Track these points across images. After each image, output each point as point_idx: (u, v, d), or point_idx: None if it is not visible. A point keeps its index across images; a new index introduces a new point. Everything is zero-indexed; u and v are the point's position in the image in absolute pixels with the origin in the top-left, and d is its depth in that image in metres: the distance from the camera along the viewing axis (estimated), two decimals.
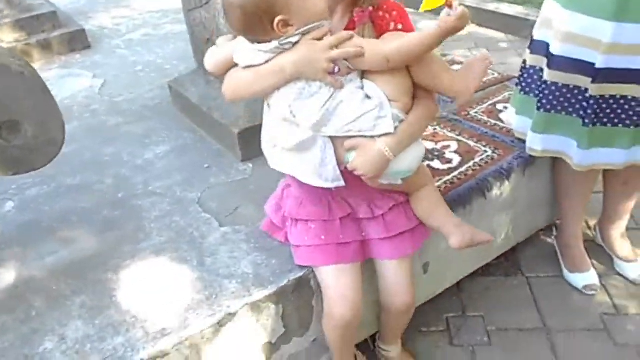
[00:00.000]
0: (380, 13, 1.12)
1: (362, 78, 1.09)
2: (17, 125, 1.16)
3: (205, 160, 1.79)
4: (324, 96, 1.05)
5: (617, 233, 1.79)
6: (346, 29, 1.13)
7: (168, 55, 2.74)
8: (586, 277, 1.75)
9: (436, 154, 1.65)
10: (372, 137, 1.07)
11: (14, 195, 1.69)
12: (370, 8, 1.12)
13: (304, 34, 1.03)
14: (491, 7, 3.82)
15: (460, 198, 1.50)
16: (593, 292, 1.73)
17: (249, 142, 1.72)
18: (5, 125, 1.14)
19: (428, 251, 1.48)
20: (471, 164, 1.60)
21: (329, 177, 1.13)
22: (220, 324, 1.19)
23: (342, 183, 1.13)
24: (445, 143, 1.70)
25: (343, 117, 1.06)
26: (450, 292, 1.74)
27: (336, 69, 1.03)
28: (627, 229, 1.83)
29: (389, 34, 1.09)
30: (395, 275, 1.30)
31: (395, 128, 1.07)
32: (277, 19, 0.99)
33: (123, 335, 1.16)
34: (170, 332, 1.16)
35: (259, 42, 1.05)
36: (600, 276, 1.77)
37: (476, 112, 1.86)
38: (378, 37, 1.11)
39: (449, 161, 1.62)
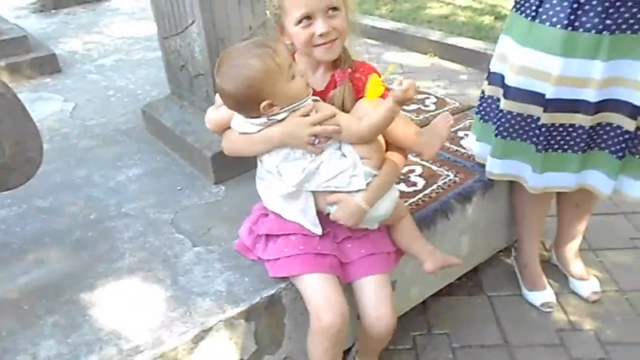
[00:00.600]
0: (357, 75, 1.30)
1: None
2: None
3: (179, 182, 1.83)
4: (306, 160, 1.22)
5: (571, 253, 1.90)
6: (327, 87, 1.28)
7: (140, 81, 2.78)
8: (543, 295, 1.84)
9: (402, 177, 1.74)
10: (349, 192, 1.23)
11: None
12: (349, 70, 1.29)
13: (291, 111, 1.19)
14: (452, 41, 4.02)
15: (424, 219, 1.58)
16: (550, 309, 1.82)
17: (222, 165, 1.77)
18: None
19: (395, 270, 1.54)
20: (434, 187, 1.69)
21: (309, 223, 1.29)
22: (194, 341, 1.22)
23: (319, 232, 1.30)
24: (411, 167, 1.79)
25: (322, 175, 1.22)
26: (416, 311, 1.81)
27: (316, 141, 1.20)
28: (580, 249, 1.95)
29: (361, 104, 1.25)
30: (377, 293, 1.32)
31: (369, 183, 1.23)
32: (263, 104, 1.15)
33: (97, 353, 1.17)
34: (144, 349, 1.18)
35: (251, 117, 1.21)
36: (556, 294, 1.87)
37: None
38: (356, 96, 1.28)
39: (414, 184, 1.71)
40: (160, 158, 2.00)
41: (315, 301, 1.25)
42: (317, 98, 1.25)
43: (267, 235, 1.35)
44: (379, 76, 1.21)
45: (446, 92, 3.46)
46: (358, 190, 1.23)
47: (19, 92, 2.65)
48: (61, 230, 1.60)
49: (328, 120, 1.20)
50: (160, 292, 1.34)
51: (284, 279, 1.33)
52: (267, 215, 1.37)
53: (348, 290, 1.38)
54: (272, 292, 1.33)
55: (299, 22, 1.19)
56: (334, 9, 1.18)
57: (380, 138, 1.26)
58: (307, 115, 1.20)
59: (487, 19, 4.42)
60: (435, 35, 4.18)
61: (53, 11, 4.18)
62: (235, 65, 1.15)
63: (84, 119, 2.37)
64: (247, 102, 1.17)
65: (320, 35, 1.19)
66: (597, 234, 2.14)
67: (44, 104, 2.57)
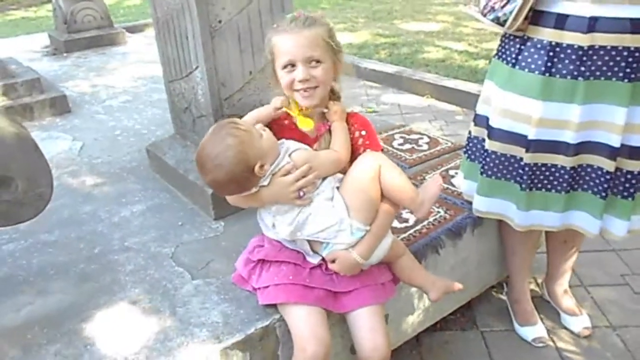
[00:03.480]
0: (348, 125, 1.43)
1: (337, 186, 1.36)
2: (9, 181, 1.26)
3: (180, 218, 1.90)
4: (295, 212, 1.33)
5: (561, 289, 1.95)
6: (317, 135, 1.41)
7: (146, 121, 2.88)
8: (535, 330, 1.88)
9: None
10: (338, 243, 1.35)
11: None
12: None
13: (273, 174, 1.30)
14: (448, 83, 4.16)
15: (415, 254, 1.63)
16: (542, 344, 1.85)
17: (222, 201, 1.83)
18: None
19: (387, 304, 1.58)
20: (425, 223, 1.76)
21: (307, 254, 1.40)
22: None
23: (316, 260, 1.39)
24: None
25: (312, 227, 1.34)
26: (410, 346, 1.84)
27: (301, 193, 1.31)
28: (571, 285, 2.00)
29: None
30: (372, 325, 1.37)
31: (362, 236, 1.33)
32: (256, 168, 1.26)
33: None
34: None
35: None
36: (548, 329, 1.90)
37: (431, 177, 2.04)
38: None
39: (406, 220, 1.78)
40: (163, 195, 2.08)
41: (300, 331, 1.31)
42: (299, 146, 1.35)
43: (262, 263, 1.42)
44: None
45: (442, 132, 3.56)
46: (353, 246, 1.34)
47: (30, 132, 2.78)
48: (66, 263, 1.66)
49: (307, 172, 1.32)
50: (159, 322, 1.39)
51: (278, 310, 1.39)
52: (262, 246, 1.44)
53: (342, 322, 1.44)
54: (267, 323, 1.38)
55: (284, 67, 1.32)
56: (316, 61, 1.30)
57: (374, 195, 1.34)
58: (288, 173, 1.31)
59: (482, 63, 4.58)
60: (431, 77, 4.33)
61: (65, 54, 4.35)
62: (219, 155, 1.25)
63: (91, 158, 2.47)
64: (244, 176, 1.26)
65: (300, 82, 1.31)
66: (588, 270, 2.19)
67: (53, 142, 2.68)
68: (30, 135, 1.34)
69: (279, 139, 1.37)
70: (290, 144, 1.36)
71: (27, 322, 1.42)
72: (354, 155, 1.41)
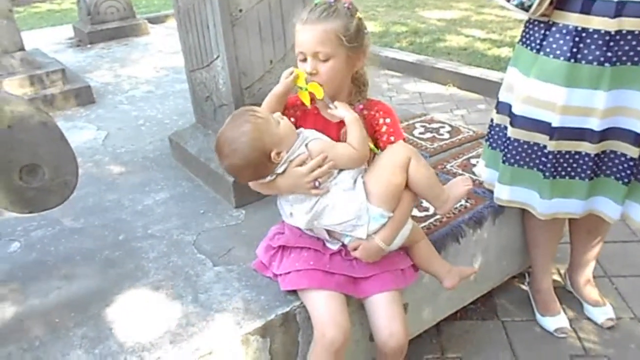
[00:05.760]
0: (372, 112, 1.42)
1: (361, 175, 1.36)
2: (37, 168, 1.30)
3: (202, 206, 1.93)
4: (312, 201, 1.33)
5: (584, 279, 1.92)
6: (342, 120, 1.38)
7: (168, 111, 2.92)
8: (557, 321, 1.86)
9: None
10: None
11: (20, 237, 1.80)
12: (361, 106, 1.40)
13: (290, 162, 1.31)
14: (470, 72, 4.11)
15: (435, 243, 1.62)
16: (564, 335, 1.83)
17: (243, 190, 1.86)
18: (26, 168, 1.28)
19: (407, 292, 1.58)
20: None
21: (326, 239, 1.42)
22: (212, 354, 1.29)
23: (336, 246, 1.42)
24: None
25: (329, 218, 1.34)
26: (430, 335, 1.84)
27: (316, 183, 1.31)
28: (595, 276, 1.97)
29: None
30: (389, 310, 1.38)
31: (385, 223, 1.34)
32: (272, 154, 1.28)
33: None
34: None
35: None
36: (571, 320, 1.88)
37: (452, 166, 2.03)
38: (371, 130, 1.41)
39: (426, 209, 1.77)
40: (185, 183, 2.10)
41: (320, 317, 1.32)
42: (317, 136, 1.35)
43: (283, 249, 1.43)
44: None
45: (464, 121, 3.52)
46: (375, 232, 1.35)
47: (56, 121, 2.85)
48: (91, 249, 1.70)
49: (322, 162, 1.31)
50: (182, 308, 1.42)
51: (298, 297, 1.40)
52: (283, 233, 1.46)
53: (362, 309, 1.44)
54: (287, 309, 1.39)
55: (298, 57, 1.35)
56: (325, 56, 1.29)
57: (400, 185, 1.34)
58: (303, 163, 1.31)
59: (506, 51, 4.50)
60: (453, 66, 4.28)
61: (89, 46, 4.42)
62: (235, 141, 1.27)
63: (115, 147, 2.51)
64: (261, 162, 1.29)
65: (309, 74, 1.32)
66: (613, 260, 2.15)
67: (78, 132, 2.73)
68: (57, 125, 1.37)
69: (299, 127, 1.37)
70: (308, 134, 1.36)
71: (55, 305, 1.46)
72: (377, 142, 1.41)
